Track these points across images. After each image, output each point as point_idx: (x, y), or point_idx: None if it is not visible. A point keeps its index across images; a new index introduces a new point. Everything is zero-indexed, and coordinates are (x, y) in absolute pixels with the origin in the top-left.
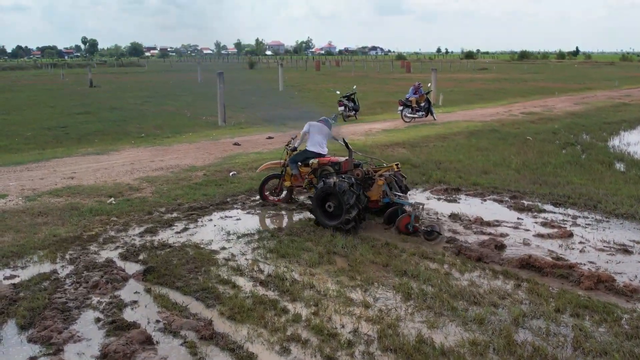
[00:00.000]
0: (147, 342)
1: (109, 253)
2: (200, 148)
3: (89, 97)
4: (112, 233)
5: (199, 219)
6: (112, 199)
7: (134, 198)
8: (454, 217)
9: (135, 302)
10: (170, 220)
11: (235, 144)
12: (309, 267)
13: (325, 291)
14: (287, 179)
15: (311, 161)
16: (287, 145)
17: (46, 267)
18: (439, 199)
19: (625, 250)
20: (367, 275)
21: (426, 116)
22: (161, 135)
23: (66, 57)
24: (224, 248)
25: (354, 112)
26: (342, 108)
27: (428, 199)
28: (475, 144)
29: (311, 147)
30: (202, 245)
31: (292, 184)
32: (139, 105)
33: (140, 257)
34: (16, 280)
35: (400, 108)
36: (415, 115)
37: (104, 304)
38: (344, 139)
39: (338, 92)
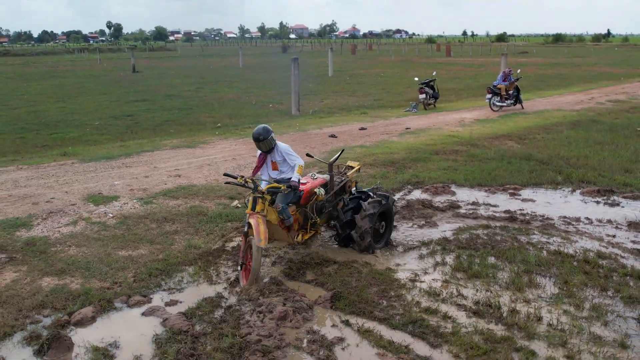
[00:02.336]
0: None
1: (270, 269)
2: (297, 140)
3: (137, 84)
4: None
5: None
6: (237, 202)
7: None
8: (634, 226)
9: (341, 339)
10: None
11: (332, 135)
12: (516, 290)
13: (560, 324)
14: (280, 235)
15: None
16: (252, 190)
17: (208, 290)
18: (597, 203)
19: None
20: (592, 302)
21: (515, 105)
22: (240, 125)
23: (91, 42)
24: (398, 265)
25: (434, 99)
26: (423, 96)
27: (585, 203)
28: (586, 136)
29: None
30: (370, 262)
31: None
32: (194, 92)
33: (308, 275)
34: (182, 308)
35: (489, 96)
36: (504, 104)
37: (305, 342)
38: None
39: (417, 79)
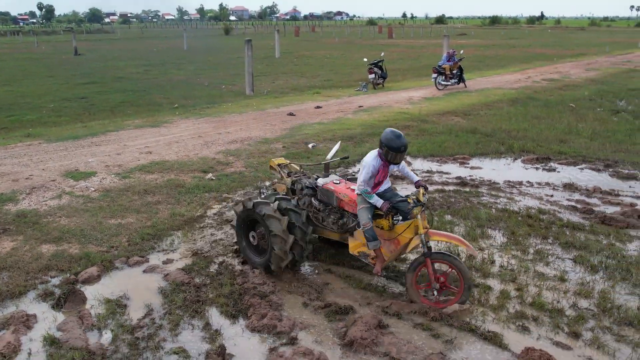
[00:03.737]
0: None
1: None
2: (257, 119)
3: (82, 66)
4: None
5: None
6: (210, 174)
7: (231, 173)
8: (569, 187)
9: (327, 283)
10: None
11: (290, 114)
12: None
13: (510, 265)
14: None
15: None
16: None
17: (199, 250)
18: (536, 169)
19: None
20: (536, 248)
21: (458, 84)
22: (198, 106)
23: (22, 24)
24: None
25: (382, 79)
26: (372, 76)
27: (526, 169)
28: (525, 111)
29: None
30: None
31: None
32: (142, 74)
33: None
34: (179, 265)
35: (435, 75)
36: (449, 83)
37: (296, 287)
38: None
39: (365, 60)
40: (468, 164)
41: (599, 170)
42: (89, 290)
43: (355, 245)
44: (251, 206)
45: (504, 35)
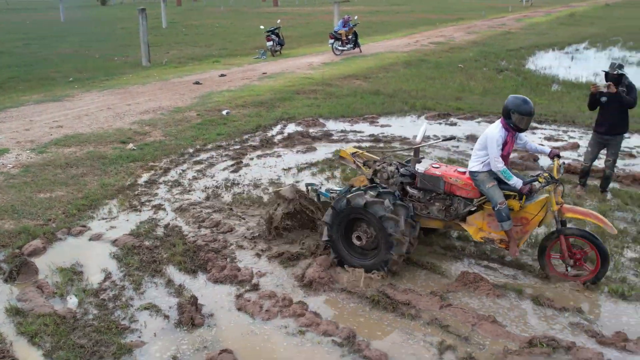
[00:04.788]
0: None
1: (194, 196)
2: (163, 89)
3: None
4: (169, 177)
5: (243, 158)
6: (131, 145)
7: (152, 142)
8: (471, 138)
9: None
10: (212, 159)
11: (196, 82)
12: None
13: None
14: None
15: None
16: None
17: (139, 215)
18: (440, 124)
19: (631, 155)
20: None
21: (354, 49)
22: (95, 78)
23: None
24: (297, 181)
25: (280, 46)
26: (270, 43)
27: (430, 124)
28: (419, 73)
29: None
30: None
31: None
32: (23, 48)
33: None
34: (125, 231)
35: (331, 41)
36: (345, 48)
37: (244, 242)
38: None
39: (262, 27)
40: (378, 122)
41: (493, 122)
42: (38, 262)
43: (475, 230)
44: (362, 204)
45: (386, 1)
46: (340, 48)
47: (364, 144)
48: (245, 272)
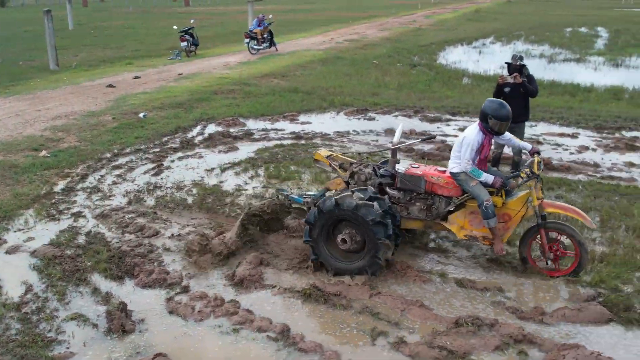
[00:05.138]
0: None
1: (115, 201)
2: (75, 93)
3: None
4: (87, 184)
5: (164, 161)
6: (44, 152)
7: (66, 148)
8: (389, 131)
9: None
10: (131, 163)
11: (109, 85)
12: (320, 185)
13: None
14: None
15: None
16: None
17: (58, 224)
18: (359, 119)
19: (539, 142)
20: None
21: (270, 47)
22: None
23: None
24: (221, 181)
25: (194, 47)
26: (184, 44)
27: (350, 120)
28: (335, 70)
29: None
30: (200, 182)
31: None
32: None
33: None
34: (44, 241)
35: (247, 40)
36: (261, 47)
37: (171, 245)
38: None
39: (175, 27)
40: (298, 120)
41: (410, 116)
42: None
43: (457, 229)
44: (352, 207)
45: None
46: (256, 47)
47: (285, 142)
48: (174, 274)
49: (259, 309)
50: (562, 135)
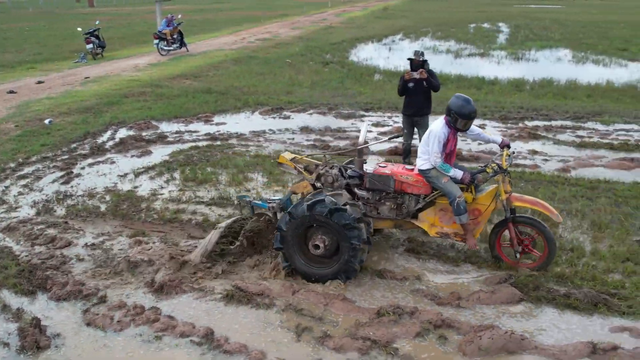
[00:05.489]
0: None
1: (22, 212)
2: None
3: None
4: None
5: (73, 168)
6: None
7: None
8: (305, 129)
9: (121, 243)
10: (38, 172)
11: (10, 92)
12: (237, 185)
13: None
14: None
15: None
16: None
17: None
18: (274, 118)
19: None
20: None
21: (180, 48)
22: None
23: None
24: (136, 186)
25: (101, 49)
26: (90, 46)
27: (265, 119)
28: (249, 69)
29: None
30: (114, 189)
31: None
32: None
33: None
34: None
35: (156, 41)
36: (171, 48)
37: (84, 255)
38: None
39: (80, 29)
40: (212, 121)
41: (324, 114)
42: None
43: (428, 226)
44: (325, 213)
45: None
46: (166, 48)
47: (201, 143)
48: (90, 286)
49: (181, 314)
50: None
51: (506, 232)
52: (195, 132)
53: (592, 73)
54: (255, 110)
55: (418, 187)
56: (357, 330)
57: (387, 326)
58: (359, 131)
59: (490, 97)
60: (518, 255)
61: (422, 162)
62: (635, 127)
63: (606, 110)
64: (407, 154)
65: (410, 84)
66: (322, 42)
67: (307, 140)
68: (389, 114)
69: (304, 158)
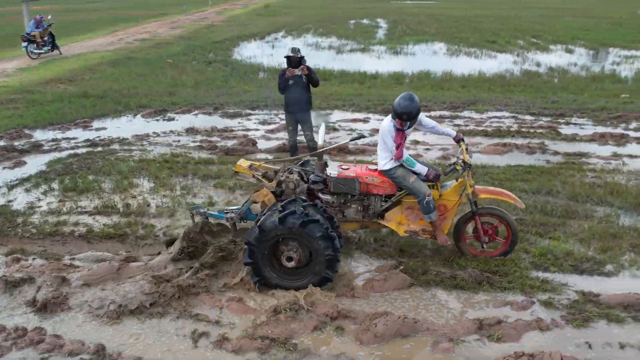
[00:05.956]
0: None
1: None
2: None
3: None
4: None
5: None
6: None
7: None
8: (191, 131)
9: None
10: None
11: None
12: (122, 192)
13: (164, 204)
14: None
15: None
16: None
17: None
18: (157, 120)
19: (335, 129)
20: (181, 184)
21: (52, 51)
22: None
23: None
24: (9, 200)
25: None
26: None
27: (148, 122)
28: (128, 71)
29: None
30: None
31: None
32: None
33: None
34: None
35: (25, 44)
36: (42, 51)
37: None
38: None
39: None
40: (92, 126)
41: (210, 114)
42: None
43: (396, 226)
44: (298, 224)
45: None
46: (36, 51)
47: (80, 150)
48: None
49: (69, 332)
50: (355, 120)
51: (469, 225)
52: (73, 139)
53: (465, 65)
54: (138, 113)
55: (384, 188)
56: (255, 330)
57: (285, 323)
58: (247, 130)
59: (373, 91)
60: (485, 246)
61: (384, 162)
62: (506, 114)
63: (480, 99)
64: (293, 151)
65: (291, 82)
66: (204, 40)
67: (194, 141)
68: (276, 112)
69: (263, 165)
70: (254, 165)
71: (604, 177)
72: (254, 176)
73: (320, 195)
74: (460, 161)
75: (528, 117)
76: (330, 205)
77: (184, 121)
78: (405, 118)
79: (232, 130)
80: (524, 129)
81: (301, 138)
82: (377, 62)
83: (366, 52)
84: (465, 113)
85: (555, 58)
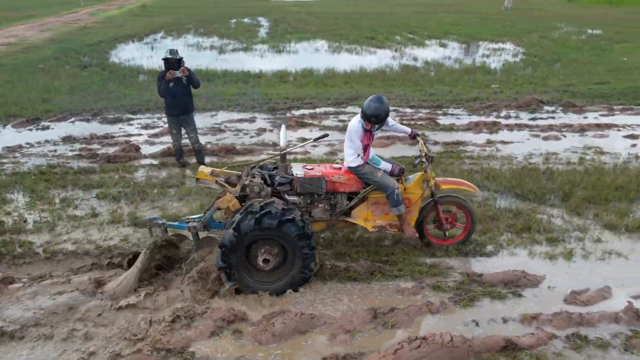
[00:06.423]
0: None
1: None
2: None
3: None
4: None
5: None
6: None
7: None
8: (68, 139)
9: None
10: None
11: None
12: None
13: (42, 219)
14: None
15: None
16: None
17: None
18: (31, 130)
19: (221, 130)
20: (40, 194)
21: None
22: None
23: None
24: None
25: None
26: None
27: (20, 132)
28: None
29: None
30: None
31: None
32: None
33: None
34: None
35: None
36: None
37: None
38: None
39: None
40: None
41: (88, 120)
42: None
43: (363, 222)
44: (275, 224)
45: None
46: None
47: None
48: None
49: None
50: (241, 121)
51: (430, 215)
52: None
53: (347, 61)
54: (7, 123)
55: (350, 185)
56: (150, 343)
57: (180, 331)
58: (129, 135)
59: (258, 89)
60: (447, 233)
61: (351, 159)
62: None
63: (362, 95)
64: (180, 154)
65: (171, 84)
66: (78, 43)
67: (72, 150)
68: (159, 115)
69: (224, 170)
70: (216, 172)
71: (481, 163)
72: (217, 182)
73: (286, 196)
74: (424, 155)
75: (408, 110)
76: (296, 206)
77: (60, 129)
78: (374, 121)
79: (113, 137)
80: (404, 122)
81: (186, 141)
82: (261, 61)
83: (249, 51)
84: (349, 108)
85: (430, 52)
